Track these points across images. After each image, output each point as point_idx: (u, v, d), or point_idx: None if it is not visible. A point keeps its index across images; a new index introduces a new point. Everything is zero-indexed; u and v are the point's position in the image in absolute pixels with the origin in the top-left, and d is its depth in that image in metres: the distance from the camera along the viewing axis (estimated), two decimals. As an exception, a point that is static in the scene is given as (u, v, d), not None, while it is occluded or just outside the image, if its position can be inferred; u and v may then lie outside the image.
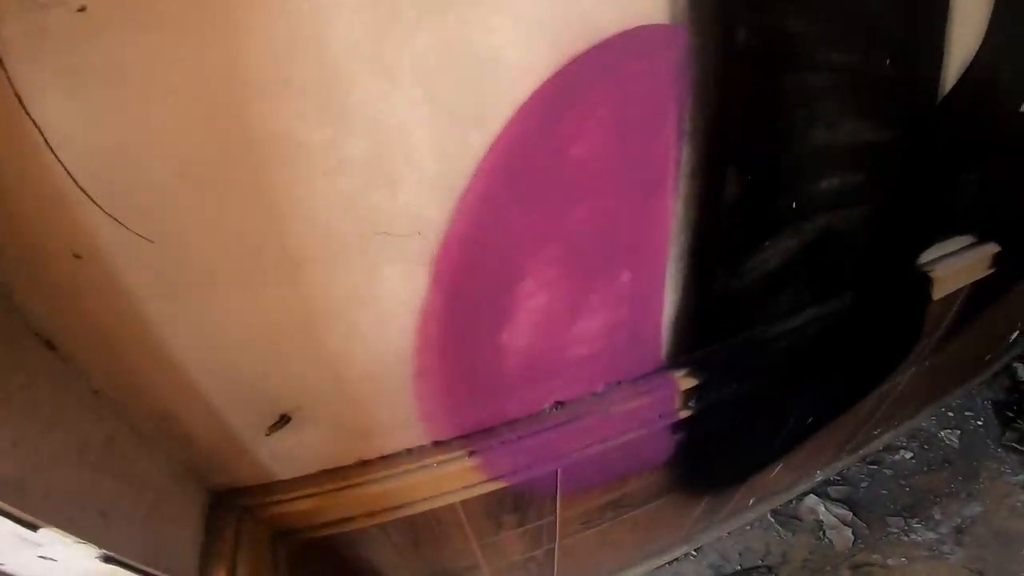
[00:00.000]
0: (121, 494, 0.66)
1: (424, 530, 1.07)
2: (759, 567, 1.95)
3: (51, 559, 0.58)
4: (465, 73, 0.57)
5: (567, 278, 0.81)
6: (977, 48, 0.92)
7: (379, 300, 0.69)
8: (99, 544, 0.58)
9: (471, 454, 0.91)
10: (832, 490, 2.20)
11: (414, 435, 0.90)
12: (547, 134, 0.65)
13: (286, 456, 0.84)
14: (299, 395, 0.76)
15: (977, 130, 1.06)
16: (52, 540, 0.56)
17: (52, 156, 0.48)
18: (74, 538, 0.57)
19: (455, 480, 0.96)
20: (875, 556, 1.96)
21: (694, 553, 2.01)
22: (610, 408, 0.99)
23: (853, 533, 2.04)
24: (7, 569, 0.56)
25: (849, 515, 2.09)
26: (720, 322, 1.05)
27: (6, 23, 0.43)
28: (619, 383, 1.02)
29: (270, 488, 0.86)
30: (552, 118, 0.65)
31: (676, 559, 1.99)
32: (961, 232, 1.29)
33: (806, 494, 2.17)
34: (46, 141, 0.48)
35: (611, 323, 0.92)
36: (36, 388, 0.57)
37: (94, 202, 0.52)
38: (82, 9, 0.45)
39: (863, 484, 2.23)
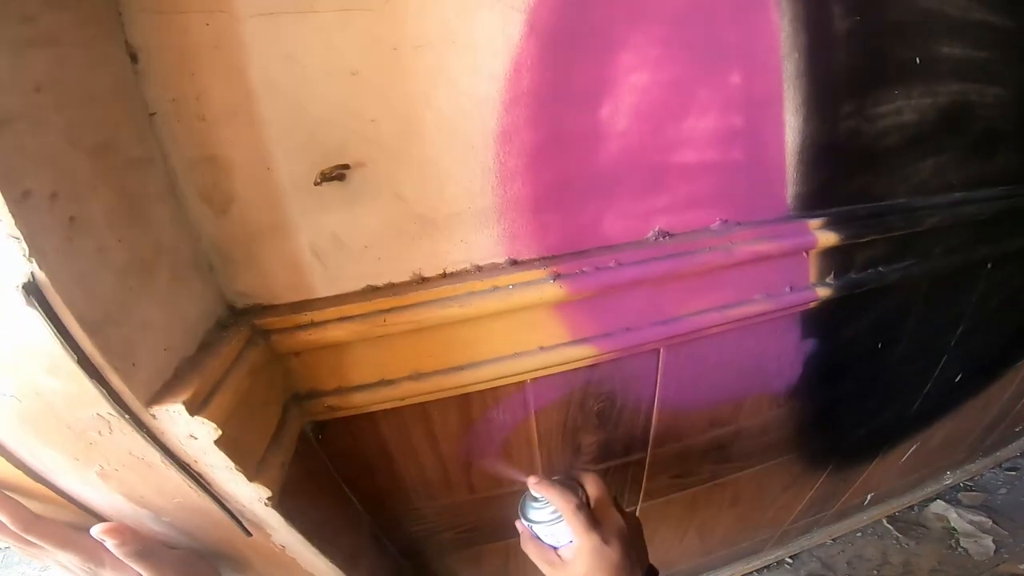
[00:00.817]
0: (111, 221, 0.48)
1: (478, 429, 0.83)
2: (873, 578, 1.58)
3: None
4: None
5: (670, 61, 0.69)
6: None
7: (472, 40, 0.61)
8: (41, 255, 0.39)
9: (556, 277, 0.69)
10: (964, 496, 1.86)
11: (488, 244, 0.70)
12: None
13: (329, 251, 0.65)
14: (366, 146, 0.62)
15: None
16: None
17: None
18: (11, 225, 0.38)
19: (531, 327, 0.74)
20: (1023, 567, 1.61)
21: (789, 561, 1.67)
22: (731, 248, 0.76)
23: (994, 542, 1.68)
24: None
25: (988, 522, 1.74)
26: (855, 171, 0.85)
27: None
28: (739, 224, 0.79)
29: (300, 306, 0.65)
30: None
31: (767, 566, 1.64)
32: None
33: (932, 500, 1.81)
34: None
35: (724, 131, 0.74)
36: (89, 82, 0.48)
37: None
38: None
39: (1001, 491, 1.88)
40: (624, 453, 1.01)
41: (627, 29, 0.66)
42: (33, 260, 0.39)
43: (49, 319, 0.40)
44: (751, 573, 1.67)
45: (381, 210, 0.65)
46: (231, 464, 0.53)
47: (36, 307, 0.39)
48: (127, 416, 0.46)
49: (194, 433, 0.50)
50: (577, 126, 0.68)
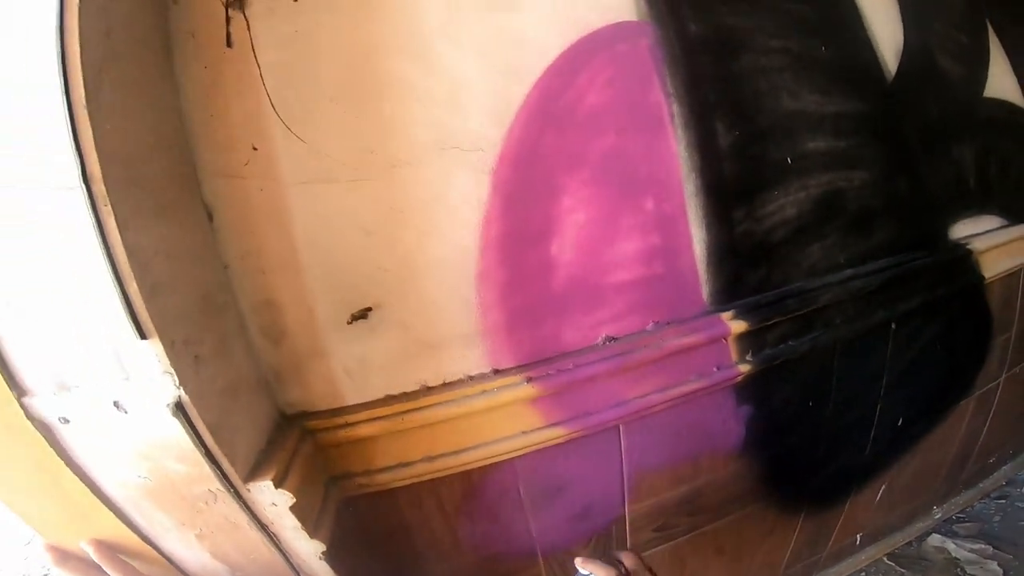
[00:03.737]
0: (215, 356, 0.72)
1: (480, 498, 1.04)
2: (887, 614, 1.66)
3: (123, 409, 0.63)
4: (508, 45, 0.87)
5: (598, 199, 0.96)
6: (902, 38, 1.20)
7: (451, 199, 0.87)
8: (184, 384, 0.63)
9: (529, 380, 0.93)
10: (959, 528, 1.90)
11: (475, 358, 0.94)
12: (567, 88, 0.91)
13: (356, 370, 0.89)
14: (380, 289, 0.86)
15: (942, 110, 1.24)
16: (148, 361, 0.61)
17: (260, 81, 0.77)
18: (167, 365, 0.62)
19: (514, 418, 0.97)
20: (1038, 589, 1.63)
21: (798, 604, 1.75)
22: (662, 343, 1.00)
23: (1000, 567, 1.73)
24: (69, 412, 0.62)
25: (989, 549, 1.78)
26: (754, 265, 1.09)
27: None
28: (668, 323, 1.03)
29: (336, 412, 0.89)
30: (569, 76, 0.90)
31: (775, 612, 1.72)
32: (988, 211, 1.39)
33: (928, 534, 1.88)
34: (260, 74, 0.77)
35: (646, 250, 1.00)
36: (189, 243, 0.71)
37: (276, 112, 0.77)
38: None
39: (995, 518, 1.92)
40: (606, 511, 1.19)
41: (565, 176, 0.93)
42: (181, 388, 0.62)
43: (189, 426, 0.64)
44: (758, 623, 1.74)
45: (393, 338, 0.89)
46: (298, 524, 0.74)
47: (181, 419, 0.63)
48: (231, 490, 0.68)
49: (276, 501, 0.72)
50: (535, 262, 0.93)
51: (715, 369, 1.06)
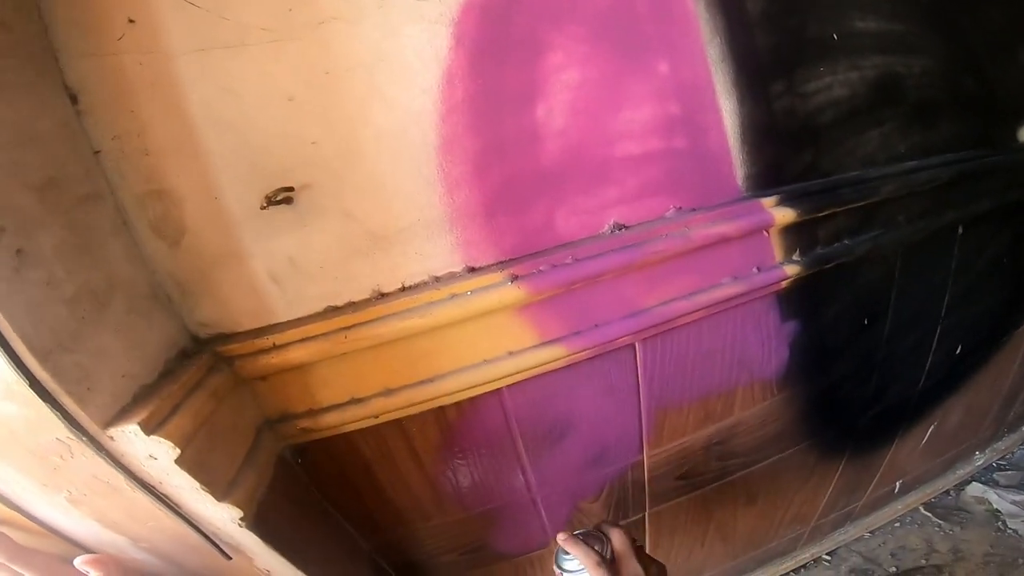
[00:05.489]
0: (61, 255, 0.51)
1: (460, 442, 0.83)
2: (923, 567, 1.50)
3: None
4: None
5: (596, 57, 0.72)
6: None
7: (401, 56, 0.64)
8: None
9: (514, 279, 0.70)
10: (1000, 476, 1.78)
11: (443, 253, 0.72)
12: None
13: (285, 274, 0.67)
14: (310, 168, 0.65)
15: (1007, 15, 1.03)
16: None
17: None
18: None
19: (496, 333, 0.75)
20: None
21: (827, 558, 1.60)
22: (687, 233, 0.77)
23: None
24: None
25: None
26: (799, 148, 0.86)
27: None
28: (694, 210, 0.80)
29: (262, 332, 0.67)
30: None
31: (804, 566, 1.57)
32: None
33: (967, 483, 1.75)
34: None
35: (663, 119, 0.77)
36: (29, 125, 0.52)
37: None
38: None
39: None
40: (620, 457, 0.99)
41: (550, 31, 0.70)
42: (-21, 291, 0.41)
43: (2, 346, 0.42)
44: (787, 574, 1.60)
45: (332, 229, 0.67)
46: (196, 484, 0.54)
47: (-14, 337, 0.41)
48: (85, 438, 0.48)
49: (153, 453, 0.51)
50: (516, 129, 0.71)
51: (755, 270, 0.84)
